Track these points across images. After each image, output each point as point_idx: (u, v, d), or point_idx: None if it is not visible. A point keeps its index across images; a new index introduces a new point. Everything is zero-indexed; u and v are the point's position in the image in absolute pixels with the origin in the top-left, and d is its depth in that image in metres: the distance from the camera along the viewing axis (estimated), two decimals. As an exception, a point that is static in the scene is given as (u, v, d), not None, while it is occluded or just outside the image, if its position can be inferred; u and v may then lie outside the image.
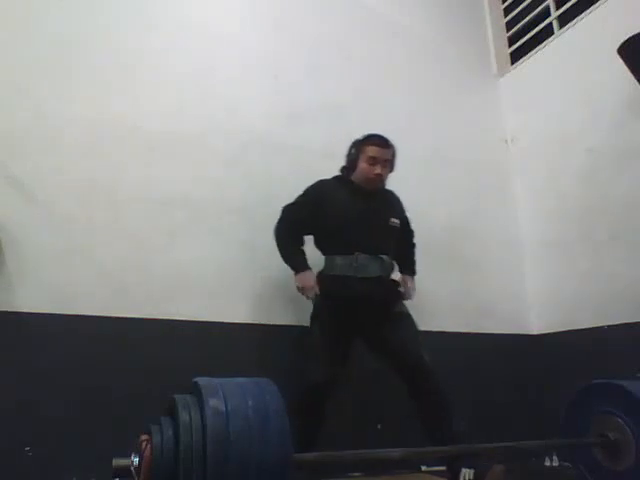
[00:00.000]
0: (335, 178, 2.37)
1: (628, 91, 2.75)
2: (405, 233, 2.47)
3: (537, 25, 3.61)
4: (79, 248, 2.20)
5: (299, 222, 2.29)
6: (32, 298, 2.07)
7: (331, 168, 2.38)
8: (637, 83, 2.63)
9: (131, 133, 2.40)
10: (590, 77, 3.05)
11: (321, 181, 2.35)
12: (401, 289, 2.32)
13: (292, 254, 2.24)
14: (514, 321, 3.20)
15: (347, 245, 2.18)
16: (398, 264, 2.41)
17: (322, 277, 2.22)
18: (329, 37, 3.14)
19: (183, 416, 1.19)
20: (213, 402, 1.18)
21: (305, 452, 1.93)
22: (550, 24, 3.51)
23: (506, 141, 3.61)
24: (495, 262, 3.29)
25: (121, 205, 2.32)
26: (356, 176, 2.29)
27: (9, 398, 1.93)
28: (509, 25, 3.90)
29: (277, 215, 2.63)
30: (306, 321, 2.54)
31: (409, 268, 2.46)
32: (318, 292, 2.16)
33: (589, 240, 2.95)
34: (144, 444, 1.21)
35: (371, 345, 2.21)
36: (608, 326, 2.74)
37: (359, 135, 2.29)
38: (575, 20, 3.26)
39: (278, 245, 2.26)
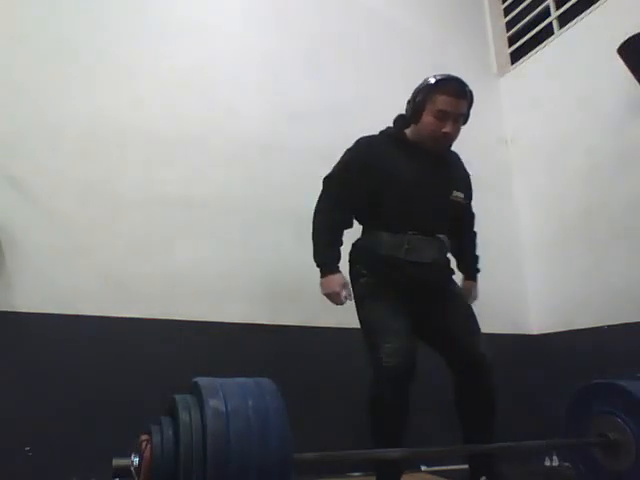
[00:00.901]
0: (384, 134, 1.93)
1: (628, 91, 2.75)
2: (465, 215, 2.02)
3: (537, 25, 3.61)
4: (79, 248, 2.20)
5: (342, 198, 1.85)
6: (32, 298, 2.07)
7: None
8: (637, 83, 2.63)
9: (131, 133, 2.40)
10: (590, 77, 3.05)
11: (365, 139, 1.90)
12: (467, 293, 1.97)
13: (321, 249, 1.81)
14: (514, 321, 3.20)
15: (398, 221, 1.79)
16: (458, 259, 2.06)
17: (363, 252, 1.86)
18: (329, 37, 3.14)
19: (183, 416, 1.19)
20: (213, 402, 1.18)
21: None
22: (550, 24, 3.51)
23: (506, 141, 3.61)
24: (495, 262, 3.28)
25: (121, 205, 2.32)
26: (417, 131, 1.83)
27: (9, 398, 1.93)
28: (509, 25, 3.90)
29: (276, 215, 2.65)
30: (305, 321, 2.54)
31: (471, 270, 2.05)
32: (349, 299, 1.78)
33: (589, 240, 2.95)
34: (144, 444, 1.21)
35: (422, 328, 1.82)
36: (608, 326, 2.74)
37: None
38: (575, 20, 3.26)
39: (312, 233, 1.84)
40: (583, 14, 3.21)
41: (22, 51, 2.28)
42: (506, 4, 3.94)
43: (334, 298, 1.77)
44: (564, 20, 3.39)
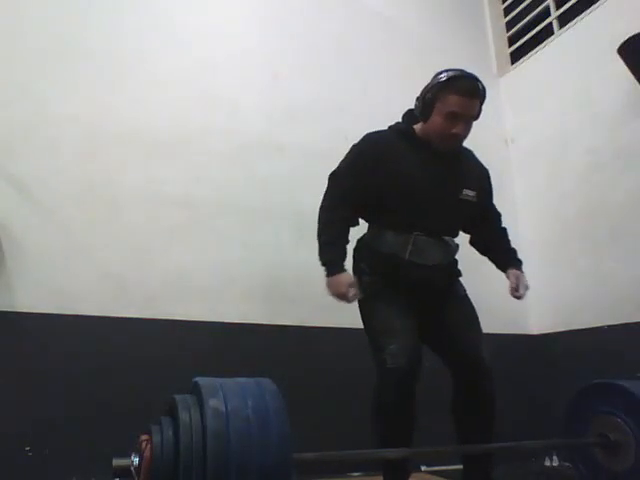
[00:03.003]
0: (392, 129, 1.84)
1: (628, 91, 2.75)
2: (489, 213, 1.95)
3: (537, 25, 3.61)
4: (79, 248, 2.21)
5: (347, 194, 1.76)
6: (32, 298, 2.08)
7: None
8: (637, 83, 2.63)
9: (131, 133, 2.40)
10: (590, 77, 3.05)
11: (372, 134, 1.81)
12: (515, 289, 1.81)
13: (326, 248, 1.71)
14: (514, 321, 3.20)
15: (403, 221, 1.72)
16: (492, 256, 1.96)
17: (367, 250, 1.79)
18: (329, 37, 3.14)
19: (183, 416, 1.19)
20: (213, 402, 1.18)
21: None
22: (550, 24, 3.50)
23: (506, 141, 3.61)
24: (495, 262, 3.29)
25: (121, 205, 2.32)
26: (426, 129, 1.74)
27: (9, 398, 1.93)
28: (509, 25, 3.90)
29: (276, 215, 2.65)
30: (304, 321, 2.54)
31: (512, 258, 1.90)
32: (357, 297, 1.68)
33: (589, 240, 2.95)
34: (144, 444, 1.21)
35: (422, 327, 1.73)
36: (608, 326, 2.74)
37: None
38: (575, 20, 3.26)
39: (317, 231, 1.75)
40: (583, 14, 3.21)
41: (22, 51, 2.28)
42: (506, 4, 3.94)
43: (341, 298, 1.67)
44: (564, 20, 3.38)
